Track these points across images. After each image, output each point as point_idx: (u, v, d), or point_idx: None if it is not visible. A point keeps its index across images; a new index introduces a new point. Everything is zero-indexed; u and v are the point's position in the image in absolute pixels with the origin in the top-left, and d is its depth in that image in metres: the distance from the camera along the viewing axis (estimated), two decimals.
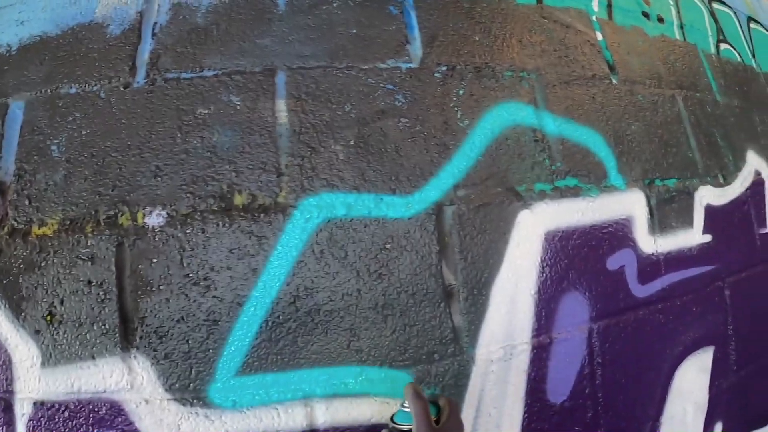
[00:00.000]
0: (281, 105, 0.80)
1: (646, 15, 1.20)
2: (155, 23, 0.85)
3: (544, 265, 0.84)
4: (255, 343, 0.72)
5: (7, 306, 0.72)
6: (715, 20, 1.41)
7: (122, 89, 0.80)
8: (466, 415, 0.77)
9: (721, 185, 1.13)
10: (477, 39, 0.93)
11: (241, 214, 0.74)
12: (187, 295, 0.72)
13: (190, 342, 0.71)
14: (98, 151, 0.77)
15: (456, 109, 0.85)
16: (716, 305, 1.07)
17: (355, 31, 0.87)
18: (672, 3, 1.28)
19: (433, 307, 0.77)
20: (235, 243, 0.73)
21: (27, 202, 0.75)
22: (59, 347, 0.70)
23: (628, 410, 0.91)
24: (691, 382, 1.02)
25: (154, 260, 0.73)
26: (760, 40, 1.59)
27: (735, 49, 1.42)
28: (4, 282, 0.72)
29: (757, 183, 1.23)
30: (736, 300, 1.09)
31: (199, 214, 0.74)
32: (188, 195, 0.75)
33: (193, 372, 0.71)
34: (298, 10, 0.87)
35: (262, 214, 0.74)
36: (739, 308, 1.10)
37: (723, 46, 1.37)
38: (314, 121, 0.79)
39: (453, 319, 0.78)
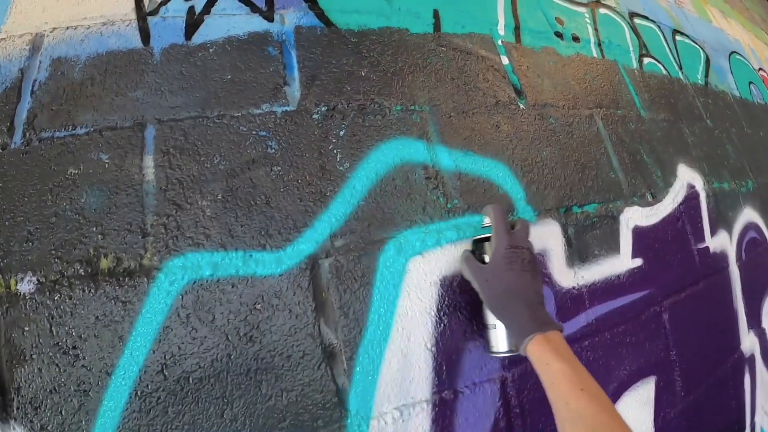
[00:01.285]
0: (149, 161, 0.76)
1: (559, 35, 1.17)
2: (35, 80, 0.81)
3: (441, 314, 0.78)
4: (125, 415, 0.67)
5: None
6: (637, 35, 1.38)
7: (0, 150, 0.76)
8: None
9: (650, 204, 1.07)
10: (363, 74, 0.89)
11: (107, 278, 0.70)
12: (57, 365, 0.67)
13: (63, 413, 0.66)
14: None
15: (335, 151, 0.81)
16: (654, 332, 1.00)
17: (230, 77, 0.83)
18: (589, 21, 1.25)
19: (312, 370, 0.70)
20: (100, 309, 0.69)
21: None
22: None
23: None
24: (633, 418, 0.93)
25: (26, 329, 0.68)
26: (686, 51, 1.55)
27: (660, 63, 1.39)
28: None
29: (691, 197, 1.17)
30: (676, 322, 1.02)
31: (66, 279, 0.70)
32: (56, 260, 0.71)
33: None
34: (174, 59, 0.84)
35: (127, 278, 0.70)
36: (680, 331, 1.03)
37: (647, 60, 1.34)
38: (181, 177, 0.75)
39: (336, 382, 0.71)
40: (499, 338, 0.74)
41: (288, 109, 0.82)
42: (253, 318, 0.70)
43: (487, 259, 0.74)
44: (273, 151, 0.78)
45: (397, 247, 0.78)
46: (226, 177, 0.75)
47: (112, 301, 0.69)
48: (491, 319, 0.74)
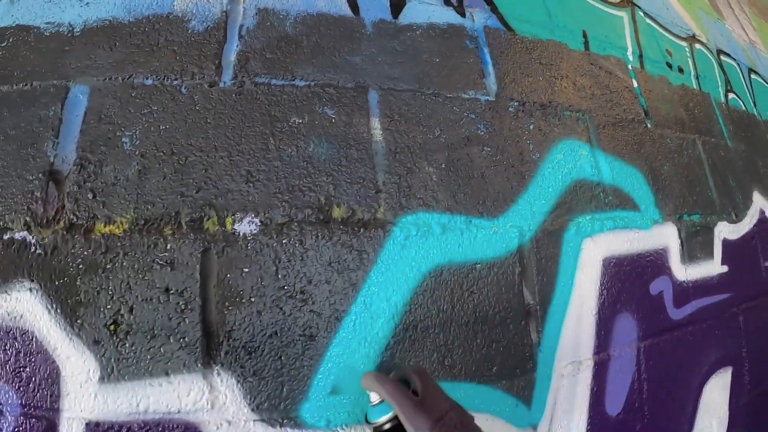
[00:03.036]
0: (376, 123, 0.83)
1: (669, 65, 1.34)
2: (242, 25, 0.84)
3: (603, 288, 0.92)
4: (353, 360, 0.70)
5: (59, 311, 0.63)
6: (723, 71, 1.59)
7: (207, 87, 0.77)
8: (541, 428, 0.82)
9: (734, 221, 1.27)
10: (540, 79, 1.02)
11: (341, 227, 0.74)
12: (281, 309, 0.68)
13: (283, 358, 0.67)
14: (180, 148, 0.72)
15: (528, 142, 0.93)
16: (733, 329, 1.19)
17: (438, 60, 0.93)
18: (689, 55, 1.44)
19: (516, 324, 0.82)
20: (334, 256, 0.72)
21: (90, 196, 0.67)
22: (124, 361, 0.63)
23: (666, 424, 1.00)
24: (715, 398, 1.12)
25: (246, 270, 0.68)
26: (760, 90, 1.79)
27: (740, 98, 1.60)
28: (57, 283, 0.64)
29: (763, 221, 1.38)
30: (748, 325, 1.22)
31: (296, 224, 0.71)
32: (284, 204, 0.72)
33: (284, 390, 0.66)
34: (385, 33, 0.92)
35: (362, 229, 0.74)
36: (751, 332, 1.22)
37: (730, 95, 1.55)
38: (408, 142, 0.84)
39: (531, 337, 0.83)
40: None
41: (489, 98, 0.93)
42: (474, 275, 0.81)
43: None
44: (482, 133, 0.89)
45: (576, 228, 0.91)
46: (447, 149, 0.86)
47: (347, 249, 0.73)
48: None
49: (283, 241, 0.71)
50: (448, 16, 1.00)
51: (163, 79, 0.77)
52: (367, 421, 0.61)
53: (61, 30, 0.79)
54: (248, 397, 0.65)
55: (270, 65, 0.82)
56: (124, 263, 0.65)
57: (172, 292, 0.66)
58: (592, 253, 0.92)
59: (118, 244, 0.66)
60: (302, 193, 0.75)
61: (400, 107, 0.86)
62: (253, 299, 0.68)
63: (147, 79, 0.77)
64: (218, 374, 0.64)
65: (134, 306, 0.64)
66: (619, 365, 0.93)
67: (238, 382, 0.65)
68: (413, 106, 0.87)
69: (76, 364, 0.62)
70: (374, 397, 0.62)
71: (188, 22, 0.82)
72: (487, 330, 0.80)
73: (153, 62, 0.78)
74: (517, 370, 0.81)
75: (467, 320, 0.79)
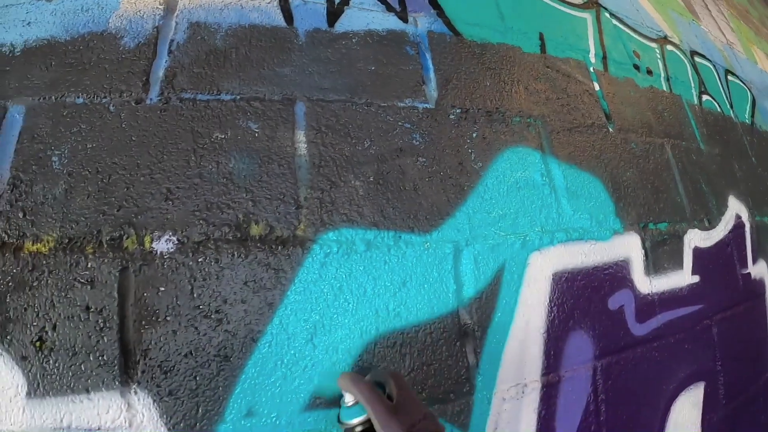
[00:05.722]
0: (301, 136, 0.80)
1: (636, 67, 1.29)
2: (172, 40, 0.83)
3: (552, 304, 0.87)
4: (269, 382, 0.69)
5: None
6: (697, 73, 1.53)
7: (134, 104, 0.76)
8: None
9: (706, 228, 1.20)
10: (488, 84, 0.97)
11: (258, 245, 0.72)
12: (196, 328, 0.67)
13: (197, 378, 0.66)
14: (104, 167, 0.72)
15: (470, 151, 0.88)
16: (705, 342, 1.12)
17: (373, 68, 0.89)
18: (659, 56, 1.38)
19: (450, 346, 0.77)
20: (250, 275, 0.70)
21: (21, 215, 0.68)
22: (49, 377, 0.63)
23: None
24: (686, 416, 1.05)
25: (162, 289, 0.67)
26: (736, 91, 1.73)
27: (715, 100, 1.54)
28: None
29: (738, 226, 1.31)
30: (722, 337, 1.15)
31: (212, 242, 0.71)
32: (201, 221, 0.71)
33: (200, 411, 0.65)
34: (318, 43, 0.89)
35: (280, 246, 0.73)
36: (725, 345, 1.15)
37: (705, 97, 1.49)
38: (334, 155, 0.80)
39: (468, 359, 0.78)
40: None
41: (428, 106, 0.89)
42: (402, 294, 0.76)
43: None
44: (417, 143, 0.85)
45: (522, 242, 0.86)
46: (376, 161, 0.81)
47: (264, 268, 0.71)
48: None
49: (199, 260, 0.70)
50: (388, 22, 0.96)
51: (93, 97, 0.76)
52: (339, 421, 0.62)
53: (3, 50, 0.79)
54: (164, 416, 0.64)
55: (196, 80, 0.80)
56: (49, 281, 0.65)
57: (92, 310, 0.65)
58: (539, 267, 0.87)
59: (44, 262, 0.66)
60: (220, 210, 0.73)
61: (327, 119, 0.82)
62: (168, 318, 0.67)
63: (78, 97, 0.76)
64: (135, 393, 0.64)
65: (57, 323, 0.64)
66: (572, 386, 0.87)
67: (154, 401, 0.64)
68: (342, 117, 0.83)
69: (6, 379, 0.63)
70: (348, 398, 0.62)
71: (121, 39, 0.82)
72: (416, 352, 0.75)
73: (84, 81, 0.77)
74: (452, 394, 0.76)
75: (393, 341, 0.74)
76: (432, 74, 0.93)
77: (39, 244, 0.67)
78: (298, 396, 0.69)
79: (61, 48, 0.80)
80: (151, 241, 0.69)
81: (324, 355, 0.71)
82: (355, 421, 0.59)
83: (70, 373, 0.64)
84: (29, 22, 0.81)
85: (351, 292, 0.74)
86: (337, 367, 0.71)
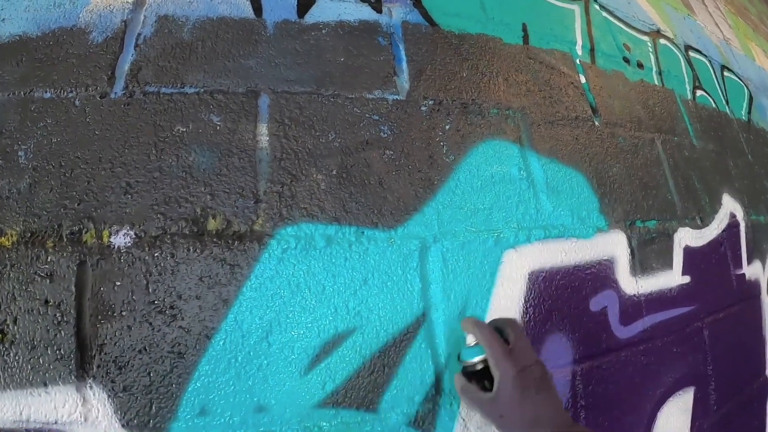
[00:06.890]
0: (263, 129, 0.78)
1: (626, 60, 1.24)
2: (139, 34, 0.82)
3: (528, 305, 0.83)
4: (223, 380, 0.66)
5: None
6: (692, 68, 1.47)
7: (98, 99, 0.76)
8: None
9: (698, 227, 1.15)
10: (464, 75, 0.93)
11: (215, 240, 0.70)
12: (150, 324, 0.66)
13: (151, 375, 0.65)
14: (67, 161, 0.72)
15: (442, 144, 0.85)
16: (696, 345, 1.07)
17: (343, 59, 0.86)
18: (651, 50, 1.33)
19: (414, 348, 0.74)
20: (206, 270, 0.69)
21: None
22: (9, 370, 0.64)
23: None
24: (673, 423, 1.00)
25: (118, 283, 0.67)
26: (733, 87, 1.67)
27: (710, 96, 1.48)
28: None
29: (732, 225, 1.25)
30: (714, 340, 1.09)
31: (169, 237, 0.69)
32: (159, 216, 0.70)
33: (153, 408, 0.64)
34: (287, 34, 0.86)
35: (236, 242, 0.70)
36: (717, 348, 1.10)
37: (699, 92, 1.43)
38: (296, 148, 0.77)
39: (433, 360, 0.74)
40: None
41: (398, 98, 0.86)
42: (364, 292, 0.73)
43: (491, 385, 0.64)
44: (385, 135, 0.81)
45: (495, 239, 0.82)
46: (340, 154, 0.78)
47: (219, 263, 0.69)
48: None
49: (155, 255, 0.69)
50: (361, 12, 0.93)
51: (60, 92, 0.76)
52: (459, 360, 0.67)
53: None
54: (119, 412, 0.64)
55: (161, 74, 0.79)
56: (11, 275, 0.66)
57: (50, 304, 0.65)
58: (514, 266, 0.83)
59: (7, 256, 0.66)
60: (178, 204, 0.71)
61: (291, 111, 0.79)
62: (124, 313, 0.66)
63: (46, 92, 0.76)
64: (91, 388, 0.64)
65: (18, 317, 0.65)
66: None
67: (109, 396, 0.64)
68: (307, 109, 0.80)
69: None
70: (470, 339, 0.68)
71: (89, 34, 0.81)
72: (377, 352, 0.71)
73: (53, 75, 0.77)
74: (416, 398, 0.72)
75: (353, 341, 0.71)
76: (404, 65, 0.89)
77: (3, 238, 0.67)
78: (252, 395, 0.67)
79: (32, 43, 0.80)
80: (109, 236, 0.69)
81: (279, 353, 0.68)
82: (475, 359, 0.65)
83: (29, 367, 0.64)
84: (4, 19, 0.82)
85: (309, 290, 0.71)
86: (293, 366, 0.68)
